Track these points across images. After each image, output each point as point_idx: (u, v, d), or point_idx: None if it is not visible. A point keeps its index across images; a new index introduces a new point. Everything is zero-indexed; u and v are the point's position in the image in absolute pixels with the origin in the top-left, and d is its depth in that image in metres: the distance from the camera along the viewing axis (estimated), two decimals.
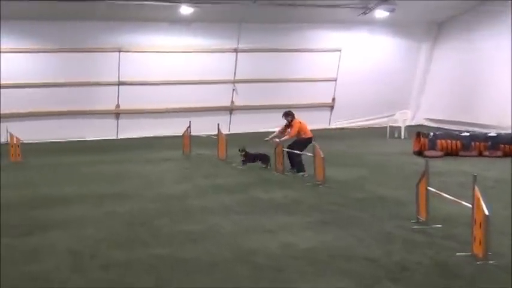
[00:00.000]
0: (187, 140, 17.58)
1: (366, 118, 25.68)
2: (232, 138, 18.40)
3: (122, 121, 22.75)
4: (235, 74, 23.78)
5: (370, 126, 25.37)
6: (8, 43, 20.66)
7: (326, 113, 25.48)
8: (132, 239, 8.35)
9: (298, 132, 14.08)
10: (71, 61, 21.74)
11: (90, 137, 21.99)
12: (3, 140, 19.45)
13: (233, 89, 23.90)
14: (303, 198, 11.12)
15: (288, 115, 14.41)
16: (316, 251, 7.68)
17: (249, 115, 24.02)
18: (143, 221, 9.43)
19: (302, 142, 14.07)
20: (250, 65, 23.76)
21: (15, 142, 16.69)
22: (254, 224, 9.10)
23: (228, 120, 23.82)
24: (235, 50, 23.56)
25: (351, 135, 22.84)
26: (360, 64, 24.90)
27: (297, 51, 24.36)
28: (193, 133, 17.55)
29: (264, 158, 14.84)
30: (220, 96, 23.61)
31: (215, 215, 9.77)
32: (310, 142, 13.79)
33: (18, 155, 16.69)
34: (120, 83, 22.36)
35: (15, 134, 16.89)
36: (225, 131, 17.54)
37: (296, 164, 13.99)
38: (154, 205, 10.66)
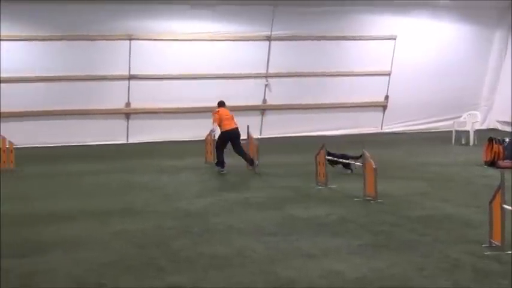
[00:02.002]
0: (210, 146, 17.62)
1: (427, 121, 25.52)
2: (265, 143, 18.43)
3: (133, 122, 22.93)
4: (268, 66, 23.82)
5: (431, 130, 25.18)
6: None
7: (378, 115, 25.37)
8: (145, 264, 8.37)
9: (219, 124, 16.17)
10: (72, 51, 22.00)
11: (95, 141, 22.20)
12: None
13: (265, 85, 23.93)
14: (351, 216, 11.05)
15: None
16: (367, 281, 7.61)
17: (284, 116, 24.01)
18: (158, 242, 9.44)
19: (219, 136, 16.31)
20: (286, 55, 23.79)
21: (7, 147, 16.92)
22: (292, 248, 9.05)
23: (259, 122, 23.85)
24: (268, 38, 23.60)
25: (408, 141, 22.68)
26: (419, 55, 24.78)
27: (343, 39, 24.33)
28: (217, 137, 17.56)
29: None
30: (250, 94, 23.66)
31: (244, 236, 9.75)
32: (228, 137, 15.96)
33: (11, 162, 16.92)
34: (130, 77, 22.55)
35: (7, 137, 17.12)
36: (255, 134, 17.57)
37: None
38: (171, 223, 10.68)
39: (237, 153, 16.17)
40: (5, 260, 8.49)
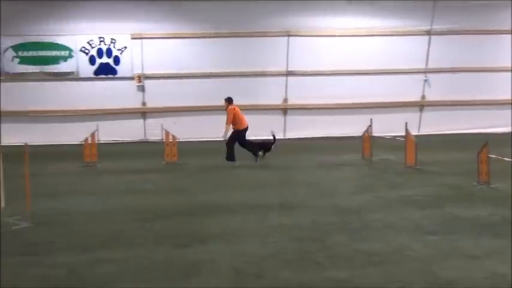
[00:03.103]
0: (367, 142, 17.50)
1: None
2: (423, 140, 18.04)
3: (290, 118, 23.15)
4: (427, 62, 23.37)
5: None
6: (157, 28, 21.81)
7: None
8: (303, 258, 8.43)
9: (234, 122, 17.00)
10: (231, 48, 22.58)
11: (253, 136, 22.59)
12: (153, 138, 20.61)
13: (424, 81, 23.47)
14: None
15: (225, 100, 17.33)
16: None
17: (443, 113, 23.48)
18: (315, 237, 9.49)
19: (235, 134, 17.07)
20: (446, 50, 23.26)
21: (170, 141, 17.58)
22: (452, 248, 8.82)
23: (418, 118, 23.41)
24: (428, 33, 23.12)
25: None
26: None
27: (506, 33, 23.41)
28: (374, 134, 17.44)
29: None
30: (408, 90, 23.31)
31: (402, 234, 9.61)
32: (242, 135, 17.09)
33: (174, 155, 17.58)
34: (288, 74, 22.78)
35: (169, 131, 17.80)
36: (414, 131, 17.27)
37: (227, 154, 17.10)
38: (328, 219, 10.70)
39: (244, 146, 17.32)
40: (169, 250, 8.85)
